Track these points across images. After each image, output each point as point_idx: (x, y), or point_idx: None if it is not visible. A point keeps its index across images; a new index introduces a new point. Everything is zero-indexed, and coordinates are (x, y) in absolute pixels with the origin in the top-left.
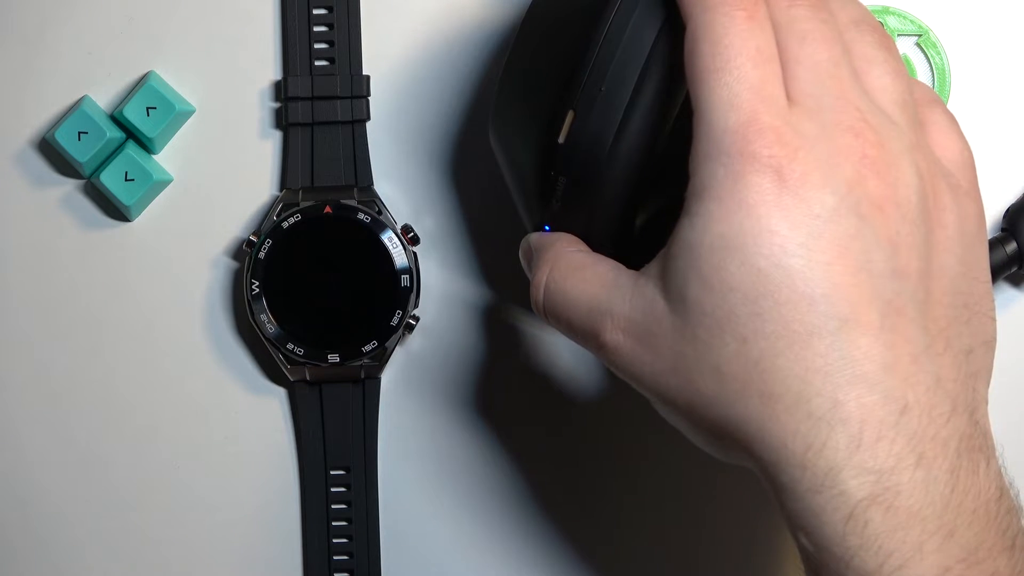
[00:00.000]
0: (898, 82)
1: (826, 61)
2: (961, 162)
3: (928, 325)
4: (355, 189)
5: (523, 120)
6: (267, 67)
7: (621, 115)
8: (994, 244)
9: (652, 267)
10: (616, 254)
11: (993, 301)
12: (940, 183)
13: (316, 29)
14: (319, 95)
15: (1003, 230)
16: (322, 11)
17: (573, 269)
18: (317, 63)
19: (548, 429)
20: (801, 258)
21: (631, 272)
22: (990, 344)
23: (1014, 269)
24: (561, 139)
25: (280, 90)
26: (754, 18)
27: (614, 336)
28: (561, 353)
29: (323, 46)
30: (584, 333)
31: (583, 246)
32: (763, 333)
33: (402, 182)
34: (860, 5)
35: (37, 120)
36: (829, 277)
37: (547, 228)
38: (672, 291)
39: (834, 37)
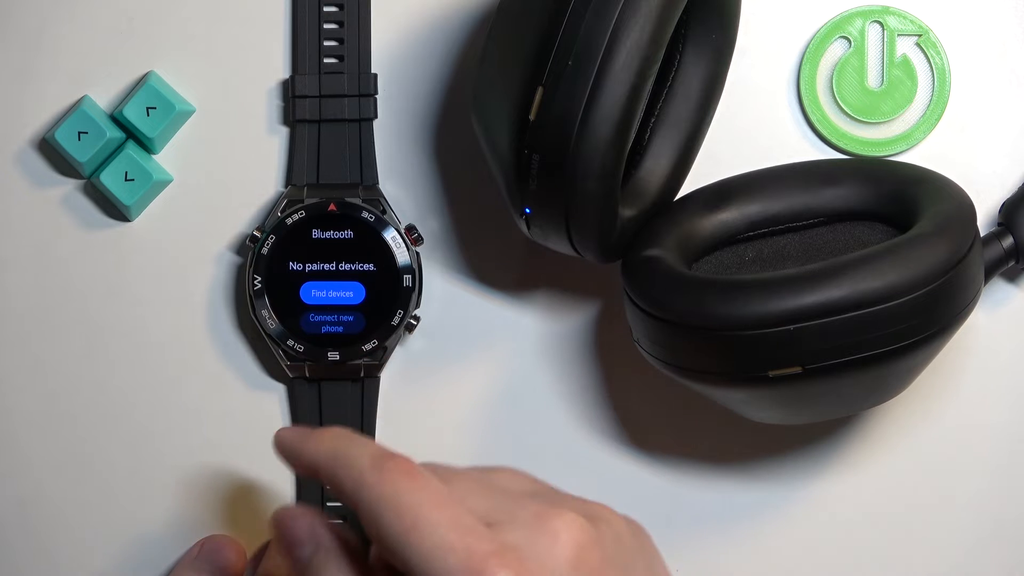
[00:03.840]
0: (516, 474)
1: (470, 475)
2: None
3: None
4: (360, 187)
5: (498, 101)
6: (267, 66)
7: (589, 88)
8: (990, 239)
9: None
10: (599, 246)
11: None
12: (620, 523)
13: (326, 26)
14: (327, 93)
15: (999, 224)
16: (333, 8)
17: None
18: (326, 60)
19: (548, 429)
20: None
21: None
22: None
23: (1010, 264)
24: (532, 116)
25: (287, 88)
26: (413, 474)
27: None
28: (562, 354)
29: (332, 43)
30: None
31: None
32: None
33: (408, 183)
34: None
35: (37, 120)
36: None
37: (527, 211)
38: None
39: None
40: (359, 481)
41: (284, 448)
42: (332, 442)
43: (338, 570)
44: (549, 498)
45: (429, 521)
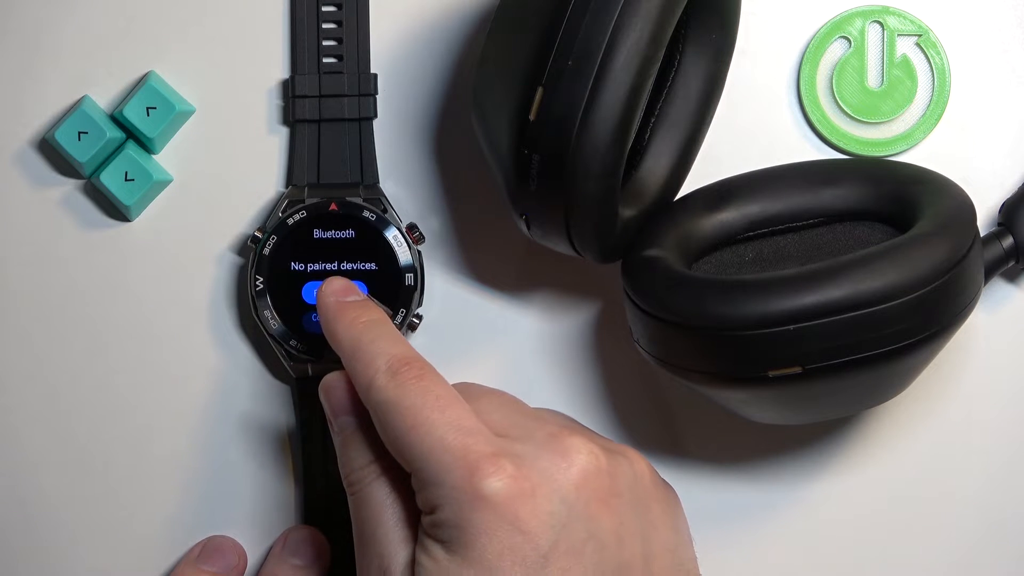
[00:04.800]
0: (557, 412)
1: (503, 397)
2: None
3: None
4: (361, 187)
5: (498, 101)
6: (268, 66)
7: (589, 88)
8: (990, 239)
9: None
10: (599, 246)
11: (694, 552)
12: (643, 465)
13: (325, 26)
14: (326, 93)
15: (999, 224)
16: (331, 8)
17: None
18: (325, 60)
19: None
20: (542, 568)
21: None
22: None
23: (1010, 264)
24: (532, 116)
25: (287, 88)
26: (423, 376)
27: None
28: (562, 354)
29: (331, 43)
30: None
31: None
32: None
33: (409, 182)
34: None
35: (37, 120)
36: None
37: (526, 215)
38: None
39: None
40: (371, 381)
41: (322, 309)
42: (360, 331)
43: (360, 446)
44: (576, 429)
45: (429, 420)
